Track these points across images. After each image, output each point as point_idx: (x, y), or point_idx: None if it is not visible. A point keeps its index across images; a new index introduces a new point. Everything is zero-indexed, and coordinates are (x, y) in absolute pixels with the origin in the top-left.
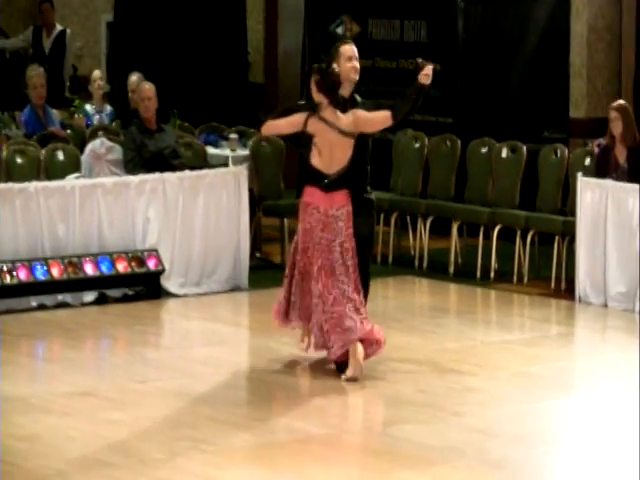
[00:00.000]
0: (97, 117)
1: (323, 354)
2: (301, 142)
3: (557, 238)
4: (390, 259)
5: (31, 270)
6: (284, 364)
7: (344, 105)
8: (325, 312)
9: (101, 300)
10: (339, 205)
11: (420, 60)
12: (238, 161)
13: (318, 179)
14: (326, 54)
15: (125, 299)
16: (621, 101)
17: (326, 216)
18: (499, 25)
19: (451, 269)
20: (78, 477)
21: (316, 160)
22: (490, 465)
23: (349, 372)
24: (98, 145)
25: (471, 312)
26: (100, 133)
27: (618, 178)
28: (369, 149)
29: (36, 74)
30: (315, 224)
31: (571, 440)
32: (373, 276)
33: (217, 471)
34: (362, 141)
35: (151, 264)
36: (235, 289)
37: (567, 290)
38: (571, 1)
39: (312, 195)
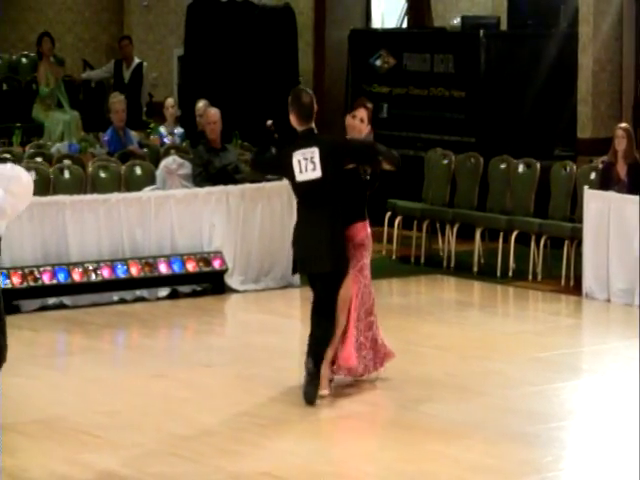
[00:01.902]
0: (170, 138)
1: None
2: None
3: (566, 242)
4: (422, 260)
5: (113, 269)
6: None
7: None
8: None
9: (173, 295)
10: None
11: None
12: None
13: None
14: (367, 83)
15: (194, 294)
16: (625, 124)
17: None
18: (516, 58)
19: (475, 269)
20: (152, 447)
21: None
22: (508, 438)
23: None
24: (170, 162)
25: (492, 306)
26: (172, 151)
27: (619, 190)
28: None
29: (117, 100)
30: None
31: (579, 417)
32: (408, 275)
33: (271, 442)
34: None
35: (216, 264)
36: (288, 286)
37: (575, 287)
38: (578, 37)
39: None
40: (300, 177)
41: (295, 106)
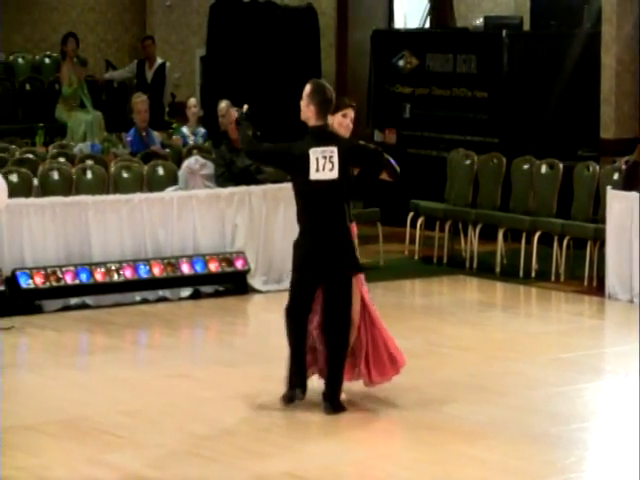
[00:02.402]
0: (192, 138)
1: None
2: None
3: (589, 243)
4: (445, 260)
5: (135, 269)
6: None
7: None
8: None
9: (195, 295)
10: None
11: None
12: None
13: None
14: (389, 83)
15: (216, 294)
16: None
17: None
18: (538, 58)
19: (497, 269)
20: (174, 447)
21: None
22: (530, 439)
23: None
24: (193, 162)
25: (514, 307)
26: (195, 152)
27: None
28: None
29: (140, 100)
30: None
31: (601, 418)
32: (430, 275)
33: (294, 442)
34: None
35: (239, 264)
36: None
37: (598, 288)
38: (601, 37)
39: None
40: (315, 175)
41: (318, 99)
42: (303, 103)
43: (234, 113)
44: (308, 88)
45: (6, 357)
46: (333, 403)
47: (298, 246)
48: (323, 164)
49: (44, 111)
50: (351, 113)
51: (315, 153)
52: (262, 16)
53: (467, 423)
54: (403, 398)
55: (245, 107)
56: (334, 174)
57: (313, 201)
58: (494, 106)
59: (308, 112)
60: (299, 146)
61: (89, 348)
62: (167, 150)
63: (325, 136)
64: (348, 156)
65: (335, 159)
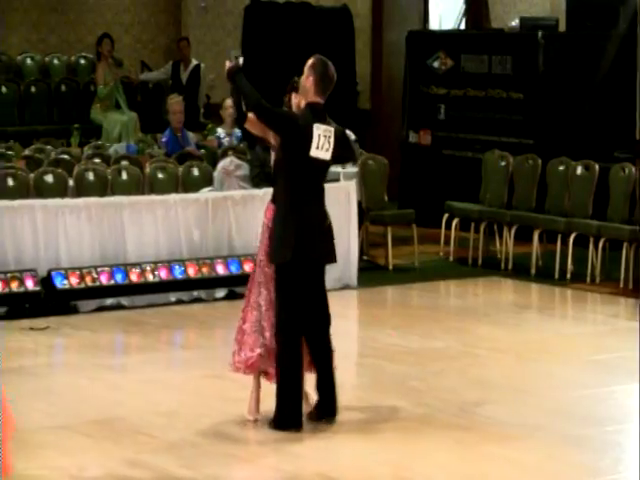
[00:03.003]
0: (227, 139)
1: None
2: None
3: (625, 244)
4: (480, 262)
5: (170, 270)
6: (388, 352)
7: None
8: None
9: (230, 296)
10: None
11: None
12: (348, 177)
13: None
14: (424, 84)
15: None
16: None
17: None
18: (574, 59)
19: (532, 271)
20: (208, 448)
21: None
22: (565, 441)
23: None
24: (228, 163)
25: (550, 308)
26: (230, 153)
27: None
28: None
29: (175, 101)
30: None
31: (635, 420)
32: (465, 277)
33: (328, 443)
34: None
35: None
36: (345, 287)
37: (634, 289)
38: (637, 38)
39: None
40: (314, 152)
41: (319, 72)
42: (303, 76)
43: (227, 63)
44: (310, 61)
45: (41, 357)
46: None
47: (289, 225)
48: (322, 143)
49: (79, 112)
50: None
51: (318, 129)
52: (297, 17)
53: (501, 424)
54: (438, 399)
55: (241, 59)
56: (328, 155)
57: (305, 178)
58: (529, 107)
59: (307, 83)
60: (301, 117)
61: (124, 348)
62: (202, 151)
63: (324, 115)
64: (338, 141)
65: (332, 140)
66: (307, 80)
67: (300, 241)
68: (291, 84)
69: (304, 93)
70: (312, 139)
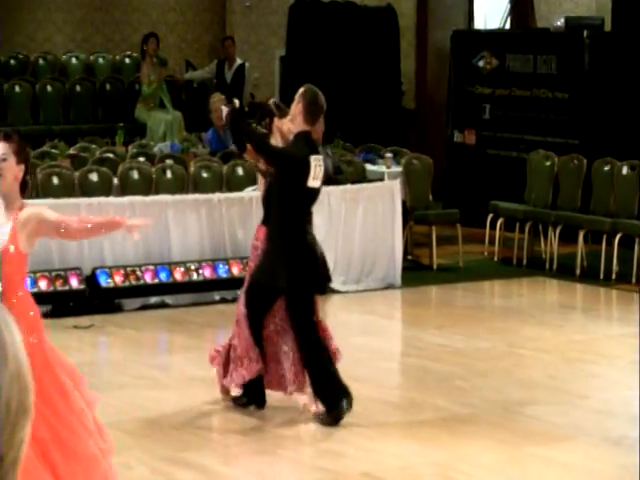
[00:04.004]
0: None
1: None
2: None
3: None
4: (524, 262)
5: (214, 269)
6: (432, 352)
7: None
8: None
9: None
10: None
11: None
12: (392, 176)
13: None
14: (469, 84)
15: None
16: None
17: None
18: (620, 59)
19: (577, 271)
20: (253, 446)
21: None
22: (610, 442)
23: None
24: None
25: (594, 309)
26: None
27: None
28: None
29: (217, 100)
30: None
31: None
32: (510, 277)
33: (373, 443)
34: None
35: None
36: (389, 287)
37: None
38: None
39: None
40: (311, 183)
41: (309, 103)
42: (293, 103)
43: (224, 109)
44: (301, 89)
45: (86, 355)
46: None
47: (279, 257)
48: (317, 172)
49: (124, 111)
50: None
51: (314, 160)
52: (341, 16)
53: (546, 425)
54: (482, 399)
55: (236, 102)
56: (320, 182)
57: (305, 209)
58: (575, 107)
59: (296, 111)
60: (299, 150)
61: (168, 347)
62: None
63: (314, 144)
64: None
65: (322, 168)
66: (296, 108)
67: (294, 269)
68: (266, 106)
69: (293, 120)
70: (309, 171)
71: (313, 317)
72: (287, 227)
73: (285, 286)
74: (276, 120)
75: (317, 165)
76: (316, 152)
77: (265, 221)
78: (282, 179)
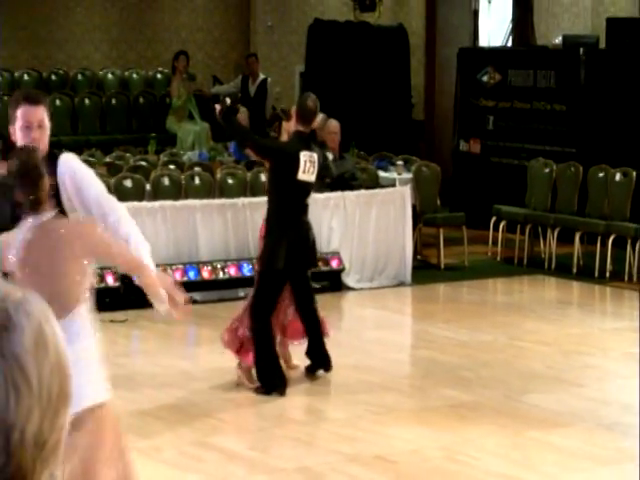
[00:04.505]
0: None
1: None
2: None
3: None
4: (525, 261)
5: (239, 267)
6: (440, 344)
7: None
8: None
9: None
10: None
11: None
12: (403, 182)
13: None
14: (474, 97)
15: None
16: None
17: None
18: (614, 74)
19: (574, 270)
20: (275, 431)
21: None
22: (604, 428)
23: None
24: None
25: (590, 304)
26: None
27: None
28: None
29: (241, 112)
30: None
31: None
32: (511, 275)
33: (385, 429)
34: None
35: (334, 263)
36: (401, 284)
37: None
38: None
39: None
40: (300, 176)
41: (300, 103)
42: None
43: (217, 107)
44: (299, 100)
45: (121, 347)
46: None
47: (281, 239)
48: (308, 167)
49: (156, 122)
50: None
51: (304, 156)
52: (356, 35)
53: (545, 412)
54: (486, 388)
55: (228, 100)
56: (313, 177)
57: (295, 200)
58: (572, 118)
59: (293, 113)
60: (292, 147)
61: (196, 340)
62: None
63: (308, 142)
64: (320, 164)
65: (315, 164)
66: (293, 111)
67: (290, 253)
68: (275, 114)
69: (295, 124)
70: (299, 165)
71: (311, 291)
72: (282, 217)
73: (283, 267)
74: (284, 123)
75: (309, 161)
76: (309, 149)
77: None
78: (274, 171)
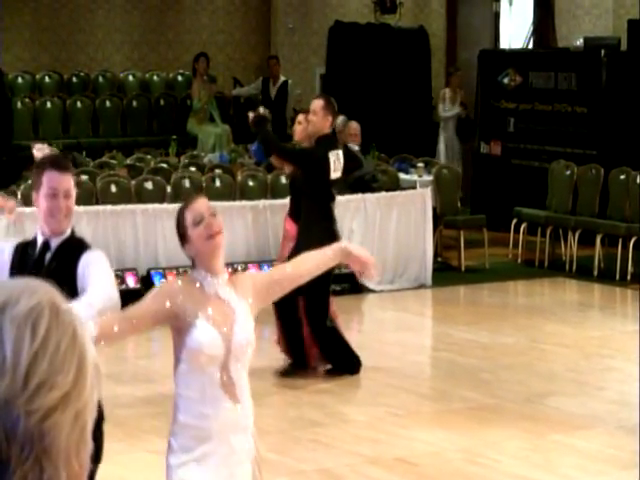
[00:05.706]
0: None
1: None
2: None
3: None
4: (546, 264)
5: (260, 268)
6: (460, 347)
7: None
8: None
9: None
10: None
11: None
12: (424, 184)
13: None
14: (495, 99)
15: (333, 293)
16: None
17: None
18: (635, 76)
19: (595, 272)
20: (295, 434)
21: None
22: (625, 430)
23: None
24: None
25: (611, 307)
26: None
27: None
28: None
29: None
30: None
31: None
32: (532, 277)
33: (406, 431)
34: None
35: None
36: (421, 286)
37: None
38: None
39: None
40: (333, 175)
41: (332, 112)
42: (318, 116)
43: (250, 114)
44: (322, 102)
45: (143, 348)
46: None
47: (326, 238)
48: (337, 165)
49: (177, 124)
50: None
51: (332, 155)
52: (377, 37)
53: (566, 414)
54: (507, 390)
55: (262, 109)
56: (340, 173)
57: (330, 198)
58: (593, 120)
59: (325, 122)
60: (322, 149)
61: None
62: None
63: (335, 141)
64: (345, 157)
65: (341, 160)
66: (326, 119)
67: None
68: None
69: (321, 129)
70: (330, 166)
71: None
72: (323, 214)
73: None
74: (299, 116)
75: (337, 159)
76: (337, 148)
77: (291, 212)
78: (307, 176)
